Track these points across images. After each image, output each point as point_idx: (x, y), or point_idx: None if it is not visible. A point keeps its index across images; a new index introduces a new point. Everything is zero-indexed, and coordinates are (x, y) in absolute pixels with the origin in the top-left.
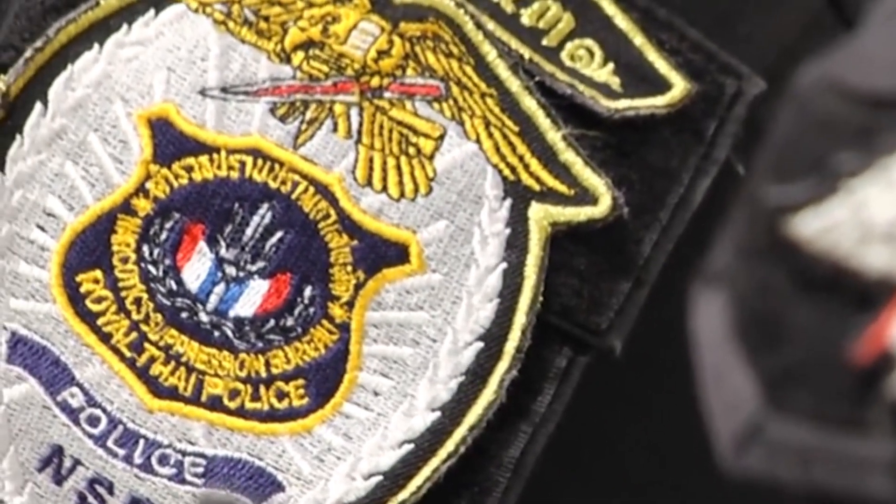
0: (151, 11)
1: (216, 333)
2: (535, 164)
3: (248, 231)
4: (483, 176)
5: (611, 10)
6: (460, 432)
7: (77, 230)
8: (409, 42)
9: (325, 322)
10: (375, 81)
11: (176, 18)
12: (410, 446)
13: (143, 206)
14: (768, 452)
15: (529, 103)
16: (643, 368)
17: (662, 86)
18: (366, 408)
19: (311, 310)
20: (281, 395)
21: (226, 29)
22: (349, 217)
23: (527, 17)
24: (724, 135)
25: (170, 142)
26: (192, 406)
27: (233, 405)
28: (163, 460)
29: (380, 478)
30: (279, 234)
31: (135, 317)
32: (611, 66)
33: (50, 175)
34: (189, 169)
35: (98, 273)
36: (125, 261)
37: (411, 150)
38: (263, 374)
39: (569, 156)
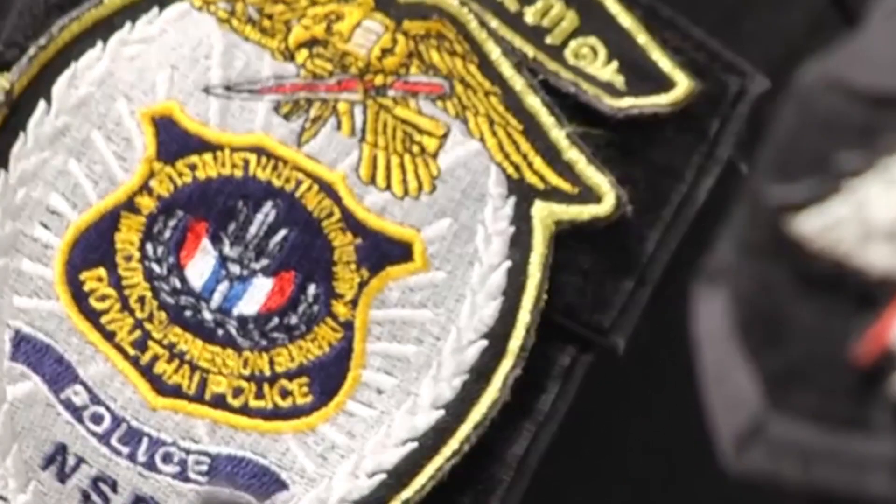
0: (155, 9)
1: (220, 331)
2: (538, 163)
3: (252, 229)
4: (487, 174)
5: (614, 8)
6: (464, 430)
7: (81, 228)
8: (412, 40)
9: (328, 320)
10: (379, 79)
11: (179, 16)
12: (414, 444)
13: (147, 203)
14: (770, 451)
15: (533, 101)
16: (646, 367)
17: (666, 84)
18: (369, 406)
19: (315, 308)
20: (285, 394)
21: (229, 27)
22: (353, 215)
23: (530, 15)
24: (727, 133)
25: (173, 140)
26: (196, 404)
27: (236, 403)
28: (166, 458)
29: (383, 476)
30: (283, 232)
31: (138, 315)
32: (614, 64)
33: (53, 173)
34: (192, 167)
35: (102, 271)
36: (129, 259)
37: (415, 149)
38: (267, 373)
39: (572, 154)
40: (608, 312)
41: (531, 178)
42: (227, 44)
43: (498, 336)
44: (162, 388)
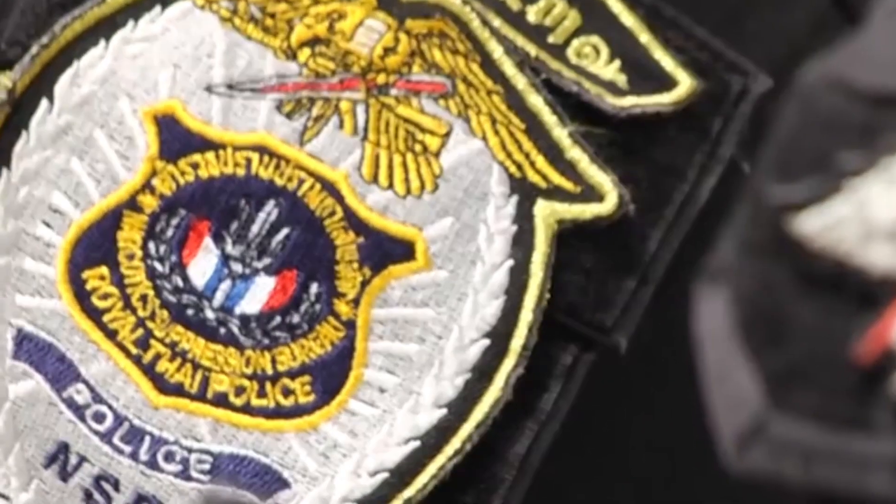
0: (157, 8)
1: (222, 330)
2: (541, 162)
3: (254, 228)
4: (489, 173)
5: (617, 7)
6: (466, 429)
7: (83, 227)
8: (415, 39)
9: (331, 319)
10: (381, 78)
11: (182, 15)
12: (416, 443)
13: (149, 202)
14: (771, 450)
15: (535, 100)
16: (648, 366)
17: (668, 83)
18: (371, 405)
19: (318, 307)
20: (287, 392)
21: (232, 26)
22: (355, 214)
23: (533, 14)
24: (729, 132)
25: (176, 138)
26: (198, 403)
27: (238, 402)
28: (168, 457)
29: (386, 475)
30: (285, 231)
31: (141, 313)
32: (617, 63)
33: (56, 171)
34: (195, 165)
35: (104, 269)
36: (131, 257)
37: (417, 147)
38: (269, 371)
39: (575, 153)
40: (610, 311)
41: (533, 177)
42: (230, 42)
43: (500, 335)
44: (164, 386)
